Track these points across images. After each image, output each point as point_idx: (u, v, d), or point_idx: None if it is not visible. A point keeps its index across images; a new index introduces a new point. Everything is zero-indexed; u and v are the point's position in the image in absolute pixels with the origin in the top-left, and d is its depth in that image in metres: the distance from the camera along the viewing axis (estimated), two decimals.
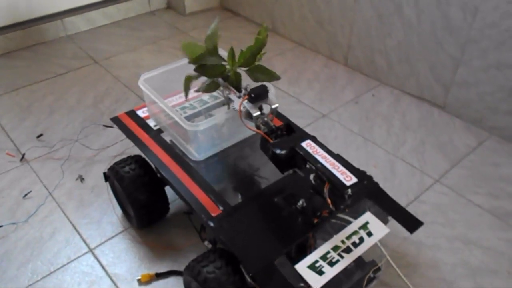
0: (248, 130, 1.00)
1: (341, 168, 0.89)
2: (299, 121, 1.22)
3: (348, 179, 0.87)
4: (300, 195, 0.99)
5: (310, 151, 0.91)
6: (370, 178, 1.09)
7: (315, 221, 0.96)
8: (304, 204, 0.97)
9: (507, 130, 1.61)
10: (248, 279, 0.89)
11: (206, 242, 1.07)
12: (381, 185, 1.08)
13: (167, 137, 1.17)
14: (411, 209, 1.21)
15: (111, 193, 1.30)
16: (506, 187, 1.44)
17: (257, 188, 1.07)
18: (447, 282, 1.16)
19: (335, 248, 0.93)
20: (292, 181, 1.03)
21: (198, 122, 1.02)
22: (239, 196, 1.06)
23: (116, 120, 1.25)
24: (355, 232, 0.96)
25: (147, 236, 1.25)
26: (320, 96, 1.88)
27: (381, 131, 1.68)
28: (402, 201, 1.36)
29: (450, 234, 1.28)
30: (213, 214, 0.96)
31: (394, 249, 1.21)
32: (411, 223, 1.00)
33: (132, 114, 1.26)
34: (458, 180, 1.47)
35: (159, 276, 1.12)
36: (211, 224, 0.94)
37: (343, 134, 1.67)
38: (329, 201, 0.87)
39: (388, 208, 1.02)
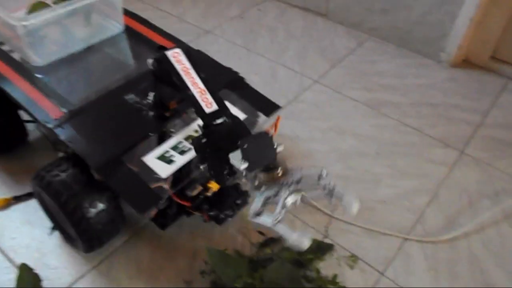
0: (105, 33, 0.90)
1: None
2: (180, 39, 1.15)
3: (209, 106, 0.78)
4: (151, 89, 0.93)
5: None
6: (235, 73, 1.07)
7: (168, 114, 0.93)
8: (155, 98, 0.93)
9: (383, 30, 1.65)
10: (96, 175, 0.85)
11: (60, 154, 1.00)
12: (261, 89, 1.05)
13: (6, 47, 1.05)
14: (289, 109, 1.21)
15: None
16: (379, 80, 1.49)
17: (107, 88, 0.99)
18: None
19: (188, 138, 0.90)
20: (145, 77, 0.97)
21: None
22: (88, 98, 0.98)
23: None
24: None
25: (6, 163, 1.15)
26: (204, 14, 1.80)
27: (265, 42, 1.65)
28: (281, 102, 1.35)
29: (325, 126, 1.31)
30: (53, 116, 0.88)
31: None
32: (268, 107, 1.00)
33: None
34: (337, 78, 1.50)
35: (17, 199, 1.04)
36: (49, 125, 0.87)
37: (226, 47, 1.62)
38: None
39: (245, 95, 1.00)
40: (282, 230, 0.65)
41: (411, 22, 1.56)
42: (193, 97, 0.77)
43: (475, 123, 1.34)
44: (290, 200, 0.69)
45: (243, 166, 0.69)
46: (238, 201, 0.98)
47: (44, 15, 0.92)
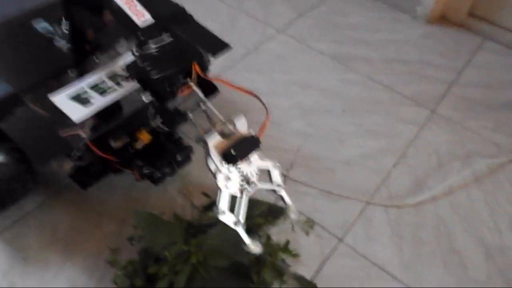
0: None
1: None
2: None
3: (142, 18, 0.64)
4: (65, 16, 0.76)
5: None
6: (178, 5, 0.90)
7: (88, 48, 0.76)
8: (69, 26, 0.75)
9: None
10: None
11: None
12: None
13: None
14: (249, 60, 1.07)
15: None
16: (350, 33, 1.36)
17: (11, 13, 0.81)
18: (279, 124, 1.06)
19: (114, 78, 0.74)
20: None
21: None
22: None
23: None
24: None
25: None
26: None
27: None
28: (239, 52, 1.22)
29: (288, 80, 1.18)
30: None
31: (221, 98, 1.07)
32: (215, 46, 0.85)
33: None
34: (303, 29, 1.35)
35: None
36: None
37: None
38: None
39: (189, 31, 0.84)
40: (241, 232, 0.65)
41: None
42: (118, 8, 0.61)
43: (448, 82, 1.24)
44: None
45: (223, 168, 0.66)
46: (179, 158, 0.83)
47: None
